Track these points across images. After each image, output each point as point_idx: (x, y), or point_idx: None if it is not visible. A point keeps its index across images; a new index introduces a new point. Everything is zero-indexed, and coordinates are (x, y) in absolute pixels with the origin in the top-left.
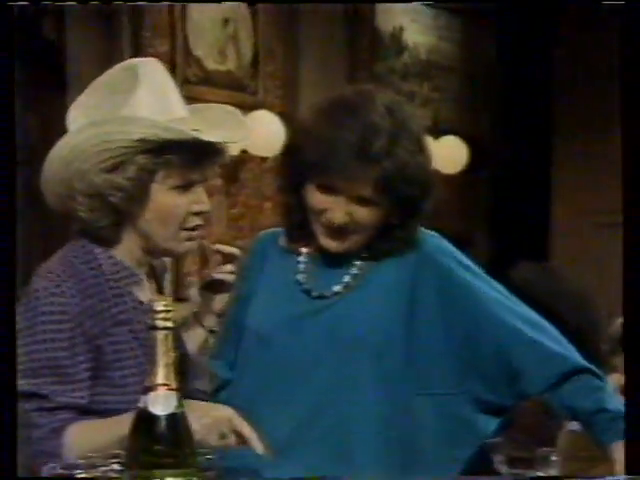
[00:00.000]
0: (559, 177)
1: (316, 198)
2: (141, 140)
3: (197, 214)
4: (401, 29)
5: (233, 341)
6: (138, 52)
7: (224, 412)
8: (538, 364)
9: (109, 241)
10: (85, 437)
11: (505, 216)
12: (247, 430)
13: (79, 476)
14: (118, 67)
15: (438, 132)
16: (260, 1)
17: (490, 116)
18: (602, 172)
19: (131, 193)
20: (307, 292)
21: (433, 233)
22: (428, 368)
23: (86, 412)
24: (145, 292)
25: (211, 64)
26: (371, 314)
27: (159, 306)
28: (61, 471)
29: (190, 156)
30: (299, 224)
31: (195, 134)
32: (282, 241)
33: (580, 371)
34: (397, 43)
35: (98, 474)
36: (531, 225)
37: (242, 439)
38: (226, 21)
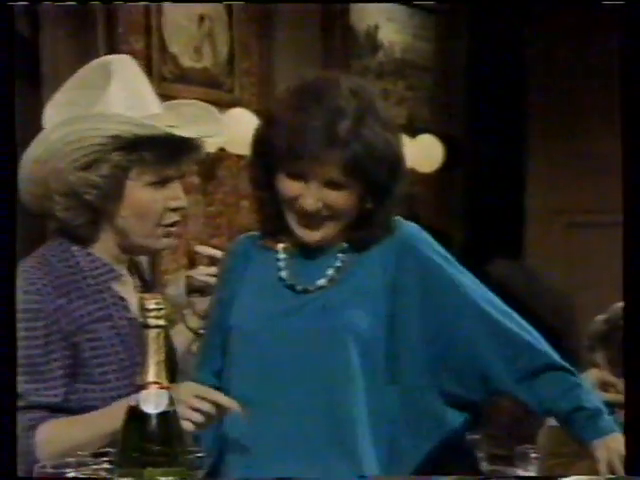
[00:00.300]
0: (533, 175)
1: (287, 186)
2: (114, 137)
3: (174, 210)
4: (376, 27)
5: (218, 347)
6: (113, 49)
7: (185, 388)
8: (509, 354)
9: (86, 239)
10: (57, 436)
11: (480, 214)
12: (216, 395)
13: (70, 475)
14: (91, 65)
15: (413, 131)
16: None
17: (465, 114)
18: (577, 171)
19: (106, 190)
20: (291, 288)
21: (411, 223)
22: (406, 359)
23: (60, 410)
24: (127, 288)
25: (187, 61)
26: (356, 306)
27: (151, 304)
28: (51, 470)
29: (164, 152)
30: (274, 218)
31: (168, 129)
32: (261, 241)
33: (554, 368)
34: (372, 41)
35: (89, 472)
36: (506, 223)
37: (218, 406)
38: (202, 18)
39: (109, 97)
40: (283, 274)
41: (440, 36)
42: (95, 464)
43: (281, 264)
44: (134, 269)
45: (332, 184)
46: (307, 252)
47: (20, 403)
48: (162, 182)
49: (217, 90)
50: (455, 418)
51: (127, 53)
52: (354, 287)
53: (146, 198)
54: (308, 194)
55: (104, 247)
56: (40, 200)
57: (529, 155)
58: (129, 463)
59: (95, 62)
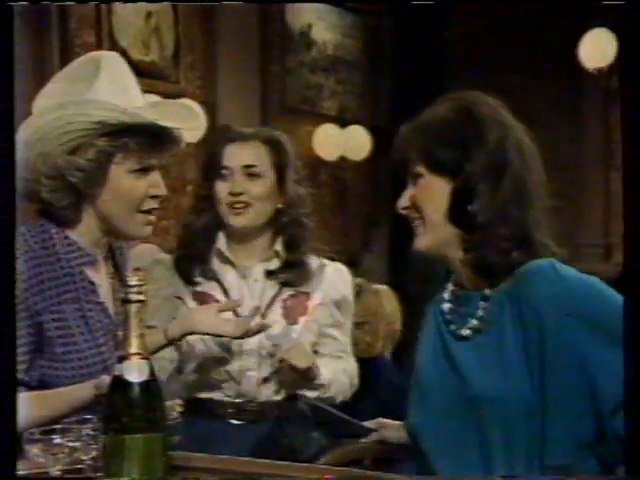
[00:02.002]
0: None
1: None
2: (101, 122)
3: (154, 197)
4: (309, 26)
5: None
6: (66, 43)
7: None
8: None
9: (69, 221)
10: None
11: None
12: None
13: (56, 441)
14: (81, 59)
15: (344, 122)
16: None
17: (390, 107)
18: None
19: (90, 174)
20: (452, 333)
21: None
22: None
23: (22, 386)
24: (99, 274)
25: (136, 55)
26: (496, 372)
27: (132, 281)
28: (39, 436)
29: (147, 141)
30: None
31: (152, 118)
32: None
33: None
34: (306, 39)
35: (73, 438)
36: None
37: None
38: (149, 15)
39: (98, 88)
40: (445, 307)
41: (367, 34)
42: (79, 430)
43: (445, 305)
44: (110, 256)
45: (416, 176)
46: (460, 294)
47: None
48: (144, 170)
49: (164, 82)
50: None
51: (79, 47)
52: (496, 346)
53: (128, 184)
54: (405, 194)
55: (85, 230)
56: (27, 183)
57: None
58: (113, 429)
59: (85, 57)
